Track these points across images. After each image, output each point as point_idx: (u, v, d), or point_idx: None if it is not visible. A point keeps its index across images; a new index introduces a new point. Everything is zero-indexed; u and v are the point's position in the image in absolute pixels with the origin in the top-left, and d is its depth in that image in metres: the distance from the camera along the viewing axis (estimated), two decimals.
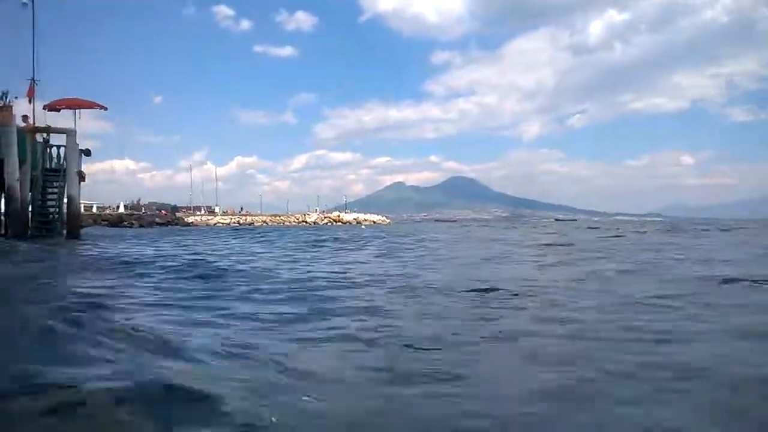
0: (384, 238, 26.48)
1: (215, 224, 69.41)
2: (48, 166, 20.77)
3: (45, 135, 20.72)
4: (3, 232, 19.67)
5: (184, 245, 19.66)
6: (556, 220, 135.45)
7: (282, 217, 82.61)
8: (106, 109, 23.33)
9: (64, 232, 20.90)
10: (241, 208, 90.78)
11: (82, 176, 21.39)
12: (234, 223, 72.89)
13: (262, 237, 27.89)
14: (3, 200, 19.50)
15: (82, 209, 28.18)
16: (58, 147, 20.96)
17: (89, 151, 21.89)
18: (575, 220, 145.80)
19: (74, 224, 21.22)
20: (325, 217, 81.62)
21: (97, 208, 68.89)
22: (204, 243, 21.83)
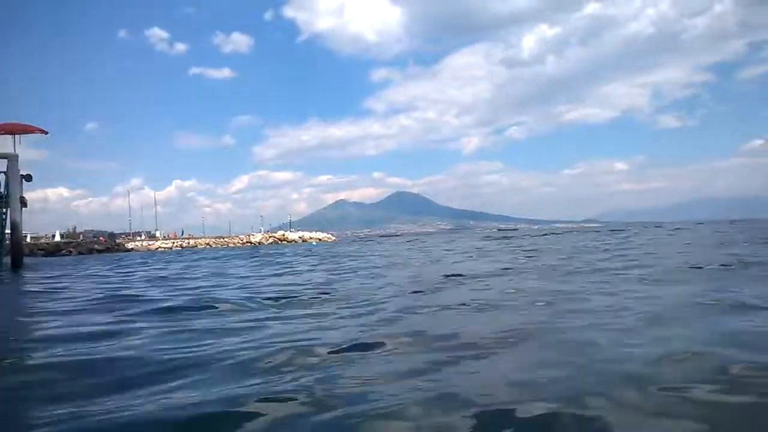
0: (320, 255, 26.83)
1: (156, 249, 68.08)
2: None
3: None
4: None
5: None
6: (499, 230, 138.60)
7: (226, 239, 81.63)
8: (46, 133, 23.02)
9: (8, 261, 20.48)
10: (182, 231, 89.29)
11: (24, 202, 21.07)
12: (177, 247, 71.64)
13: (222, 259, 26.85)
14: None
15: None
16: None
17: (30, 176, 21.56)
18: (516, 228, 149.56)
19: (18, 252, 20.82)
20: (270, 237, 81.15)
21: (31, 237, 66.50)
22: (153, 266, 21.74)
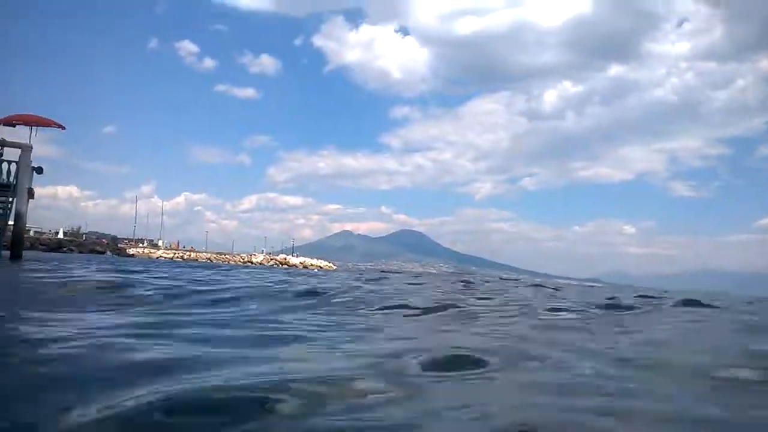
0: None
1: (157, 257, 68.02)
2: None
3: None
4: None
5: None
6: (501, 278, 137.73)
7: (227, 256, 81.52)
8: (64, 128, 23.11)
9: (6, 254, 20.27)
10: (178, 243, 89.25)
11: (31, 194, 20.98)
12: (178, 257, 71.53)
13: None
14: None
15: None
16: (9, 162, 20.52)
17: (41, 168, 21.47)
18: (519, 279, 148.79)
19: (19, 243, 20.65)
20: (271, 259, 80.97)
21: (35, 232, 66.57)
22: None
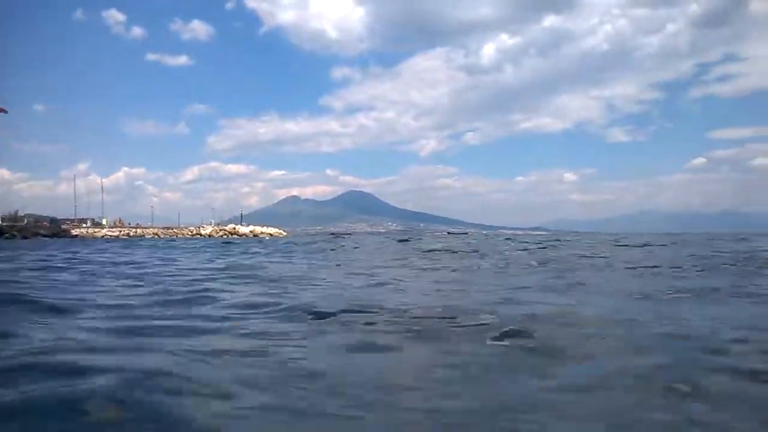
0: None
1: (102, 236, 67.23)
2: None
3: None
4: None
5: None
6: (449, 233, 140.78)
7: (175, 230, 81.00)
8: (6, 111, 23.17)
9: None
10: (120, 220, 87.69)
11: None
12: (123, 235, 70.77)
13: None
14: None
15: None
16: None
17: None
18: (466, 233, 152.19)
19: None
20: (220, 230, 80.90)
21: None
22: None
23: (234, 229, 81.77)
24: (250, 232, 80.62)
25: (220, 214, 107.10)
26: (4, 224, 63.21)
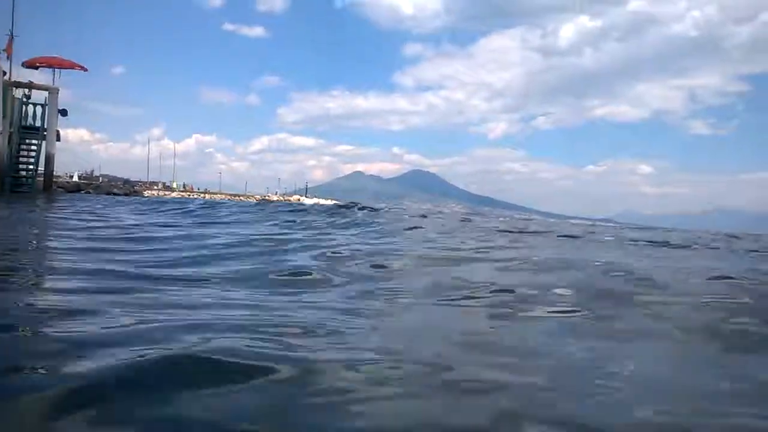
0: None
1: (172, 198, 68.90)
2: (24, 123, 20.75)
3: (26, 91, 20.69)
4: None
5: None
6: (512, 218, 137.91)
7: (241, 197, 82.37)
8: (86, 70, 23.37)
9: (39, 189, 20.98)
10: (192, 185, 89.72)
11: (58, 136, 21.51)
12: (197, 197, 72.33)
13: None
14: None
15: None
16: (35, 105, 20.94)
17: (66, 111, 21.84)
18: (531, 220, 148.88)
19: (49, 186, 21.30)
20: (285, 200, 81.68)
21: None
22: None
23: (298, 199, 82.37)
24: (314, 203, 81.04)
25: (285, 185, 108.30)
26: (81, 182, 65.82)
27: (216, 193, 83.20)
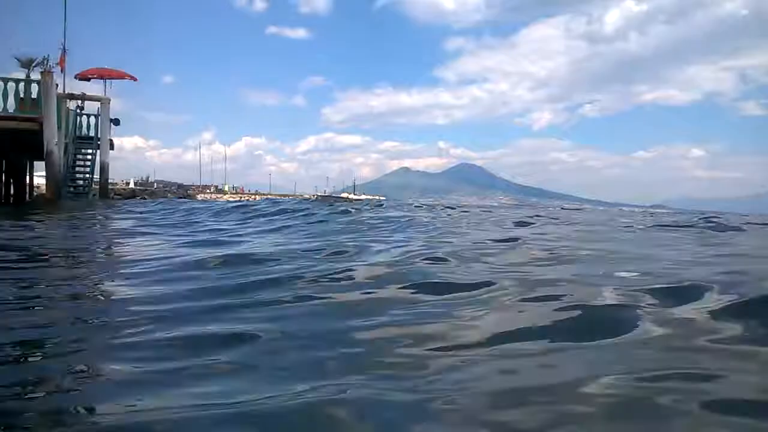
0: None
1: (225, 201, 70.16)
2: (79, 133, 21.31)
3: (79, 102, 21.24)
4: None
5: None
6: (562, 208, 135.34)
7: (291, 197, 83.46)
8: (136, 80, 23.81)
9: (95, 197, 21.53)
10: (242, 187, 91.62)
11: (111, 145, 22.01)
12: (246, 199, 73.59)
13: None
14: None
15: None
16: (88, 116, 21.46)
17: (118, 120, 22.30)
18: (581, 209, 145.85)
19: (105, 194, 21.80)
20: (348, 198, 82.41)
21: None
22: None
23: (347, 197, 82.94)
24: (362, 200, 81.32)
25: (334, 183, 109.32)
26: (137, 188, 67.86)
27: (266, 195, 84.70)
